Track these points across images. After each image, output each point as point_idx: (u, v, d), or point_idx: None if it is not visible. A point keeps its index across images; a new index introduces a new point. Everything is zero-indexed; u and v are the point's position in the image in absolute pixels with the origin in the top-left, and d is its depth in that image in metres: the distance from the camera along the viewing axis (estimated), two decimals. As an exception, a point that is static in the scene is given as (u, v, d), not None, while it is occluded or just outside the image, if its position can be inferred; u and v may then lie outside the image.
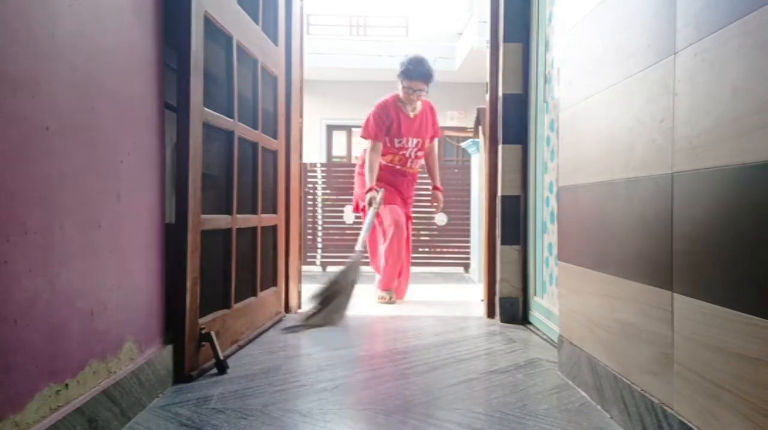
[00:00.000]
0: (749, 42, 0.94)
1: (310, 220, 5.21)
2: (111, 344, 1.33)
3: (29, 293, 1.03)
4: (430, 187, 5.12)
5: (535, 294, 2.57)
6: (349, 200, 5.25)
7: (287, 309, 2.85)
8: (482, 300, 2.92)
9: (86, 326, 1.22)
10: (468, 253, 5.07)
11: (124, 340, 1.39)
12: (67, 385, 1.15)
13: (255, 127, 2.28)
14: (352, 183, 5.35)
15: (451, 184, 5.28)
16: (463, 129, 9.49)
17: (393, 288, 3.34)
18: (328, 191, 5.27)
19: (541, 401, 1.56)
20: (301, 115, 2.98)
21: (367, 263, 3.43)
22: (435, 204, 3.59)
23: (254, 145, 2.30)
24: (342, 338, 2.38)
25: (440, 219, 5.18)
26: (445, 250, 5.17)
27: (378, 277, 3.40)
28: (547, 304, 2.40)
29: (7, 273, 0.97)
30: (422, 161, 3.56)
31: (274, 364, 1.92)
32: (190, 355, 1.71)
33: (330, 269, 5.25)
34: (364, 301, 3.25)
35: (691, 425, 1.10)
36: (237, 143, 2.06)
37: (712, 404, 1.04)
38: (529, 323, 2.61)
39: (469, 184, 4.86)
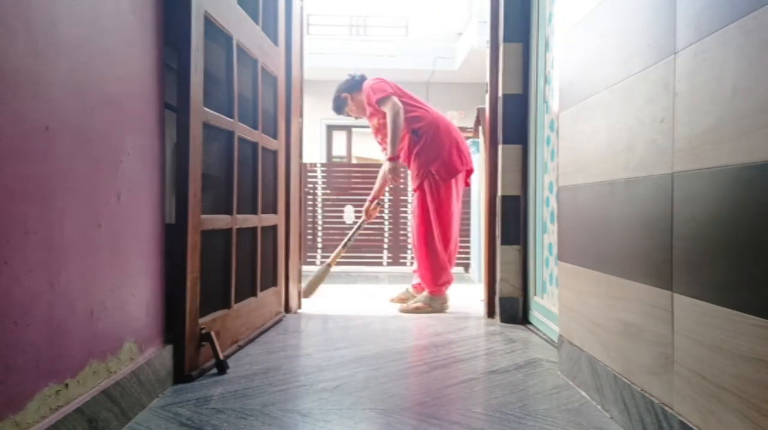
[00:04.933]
0: (749, 42, 0.94)
1: (310, 220, 5.22)
2: (111, 344, 1.33)
3: (29, 293, 1.03)
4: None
5: (535, 294, 2.57)
6: (349, 200, 5.26)
7: (287, 309, 2.85)
8: (482, 300, 2.92)
9: (86, 326, 1.22)
10: (468, 253, 5.07)
11: (124, 340, 1.39)
12: (67, 385, 1.15)
13: (255, 127, 2.28)
14: (352, 183, 5.39)
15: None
16: (463, 129, 9.49)
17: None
18: (328, 191, 5.27)
19: (541, 401, 1.56)
20: (301, 115, 2.98)
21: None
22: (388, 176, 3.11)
23: (254, 145, 2.30)
24: (342, 338, 2.38)
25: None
26: (445, 250, 5.16)
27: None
28: (547, 304, 2.40)
29: (7, 273, 0.97)
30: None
31: (274, 364, 1.92)
32: (190, 355, 1.71)
33: (330, 268, 5.25)
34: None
35: (691, 425, 1.10)
36: (237, 143, 2.06)
37: (712, 404, 1.04)
38: (529, 323, 2.61)
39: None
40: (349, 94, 3.32)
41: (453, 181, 3.10)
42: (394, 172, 3.09)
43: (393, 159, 3.07)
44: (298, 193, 2.98)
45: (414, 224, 3.16)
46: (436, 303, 3.04)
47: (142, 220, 1.50)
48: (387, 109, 3.07)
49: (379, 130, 3.24)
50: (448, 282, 3.08)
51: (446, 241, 3.08)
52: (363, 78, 3.33)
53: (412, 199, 3.23)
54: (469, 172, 3.22)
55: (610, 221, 1.46)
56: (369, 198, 3.45)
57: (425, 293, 3.09)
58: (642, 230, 1.29)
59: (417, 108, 3.15)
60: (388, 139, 3.06)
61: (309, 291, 3.43)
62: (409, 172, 3.32)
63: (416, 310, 3.01)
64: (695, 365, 1.09)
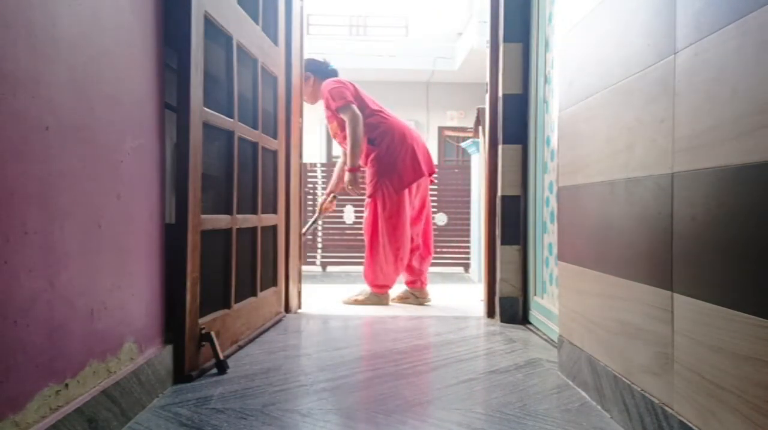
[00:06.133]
0: (749, 42, 0.94)
1: (310, 220, 5.21)
2: (111, 344, 1.33)
3: (29, 293, 1.03)
4: (435, 185, 5.14)
5: (535, 294, 2.57)
6: (349, 200, 5.26)
7: (287, 309, 2.85)
8: (482, 300, 2.92)
9: (86, 326, 1.22)
10: (468, 253, 5.07)
11: (124, 340, 1.39)
12: (67, 385, 1.15)
13: (255, 127, 2.28)
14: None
15: (451, 184, 5.28)
16: (463, 129, 9.50)
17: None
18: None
19: (541, 401, 1.56)
20: (301, 115, 2.98)
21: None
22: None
23: (254, 145, 2.30)
24: (342, 338, 2.38)
25: (440, 219, 5.19)
26: (445, 250, 5.17)
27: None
28: (547, 304, 2.40)
29: (7, 273, 0.97)
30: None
31: (274, 364, 1.92)
32: (190, 355, 1.71)
33: (330, 269, 5.26)
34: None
35: (691, 425, 1.10)
36: (237, 143, 2.06)
37: (712, 404, 1.04)
38: (529, 323, 2.61)
39: (469, 184, 4.86)
40: (313, 76, 3.30)
41: (406, 190, 3.20)
42: (353, 183, 3.20)
43: (353, 170, 3.17)
44: (298, 193, 2.98)
45: (364, 228, 3.29)
46: (375, 298, 3.24)
47: (142, 220, 1.50)
48: (346, 119, 3.13)
49: (337, 134, 3.33)
50: (387, 286, 3.25)
51: (396, 247, 3.19)
52: (329, 68, 3.34)
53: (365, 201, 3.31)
54: (430, 174, 3.34)
55: (610, 220, 1.46)
56: (325, 193, 3.60)
57: (367, 288, 3.28)
58: (642, 229, 1.29)
59: (373, 114, 3.21)
60: (348, 151, 3.15)
61: None
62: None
63: (356, 302, 3.24)
64: (695, 365, 1.09)
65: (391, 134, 3.19)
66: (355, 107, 3.12)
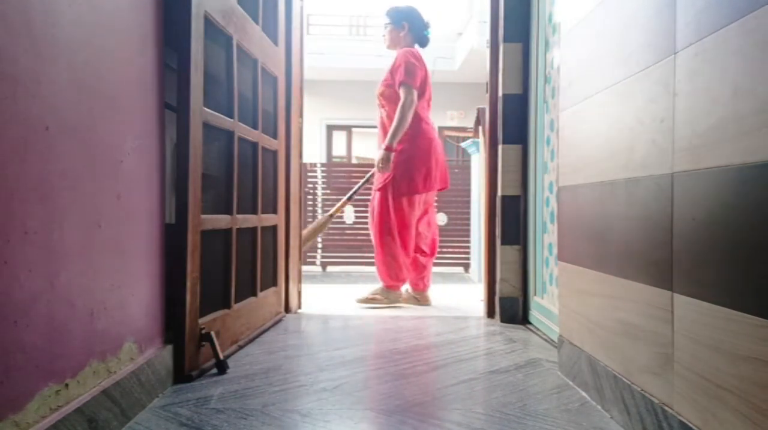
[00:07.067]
0: (750, 42, 0.94)
1: (310, 220, 5.21)
2: (111, 344, 1.33)
3: (29, 293, 1.03)
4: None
5: (535, 294, 2.57)
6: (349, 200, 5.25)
7: (287, 309, 2.85)
8: (482, 300, 2.92)
9: (86, 326, 1.22)
10: (468, 253, 5.07)
11: (124, 340, 1.39)
12: (67, 385, 1.15)
13: (255, 127, 2.28)
14: (352, 183, 5.38)
15: (451, 184, 5.28)
16: (463, 129, 9.49)
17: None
18: (328, 191, 5.27)
19: (541, 401, 1.56)
20: (301, 115, 2.98)
21: None
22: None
23: (254, 145, 2.30)
24: (342, 338, 2.38)
25: (440, 219, 5.19)
26: (445, 250, 5.17)
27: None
28: (547, 304, 2.40)
29: (7, 273, 0.97)
30: (386, 112, 3.19)
31: (274, 364, 1.92)
32: (190, 355, 1.71)
33: (330, 269, 5.26)
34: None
35: (691, 425, 1.10)
36: (237, 143, 2.06)
37: (712, 404, 1.04)
38: (529, 323, 2.61)
39: (469, 184, 4.86)
40: (407, 29, 3.23)
41: (417, 196, 3.17)
42: (385, 162, 3.11)
43: (388, 149, 3.10)
44: (298, 193, 2.98)
45: (373, 222, 3.21)
46: (391, 296, 3.20)
47: (142, 220, 1.50)
48: (402, 97, 3.06)
49: (379, 99, 3.22)
50: (403, 280, 3.22)
51: (404, 245, 3.16)
52: (424, 33, 3.27)
53: (373, 195, 3.27)
54: (441, 189, 3.31)
55: (610, 220, 1.46)
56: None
57: (381, 286, 3.23)
58: (642, 229, 1.29)
59: (416, 113, 3.14)
60: (391, 129, 3.08)
61: (305, 240, 3.43)
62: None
63: (371, 301, 3.18)
64: (695, 365, 1.09)
65: (419, 140, 3.14)
66: (415, 93, 3.06)
